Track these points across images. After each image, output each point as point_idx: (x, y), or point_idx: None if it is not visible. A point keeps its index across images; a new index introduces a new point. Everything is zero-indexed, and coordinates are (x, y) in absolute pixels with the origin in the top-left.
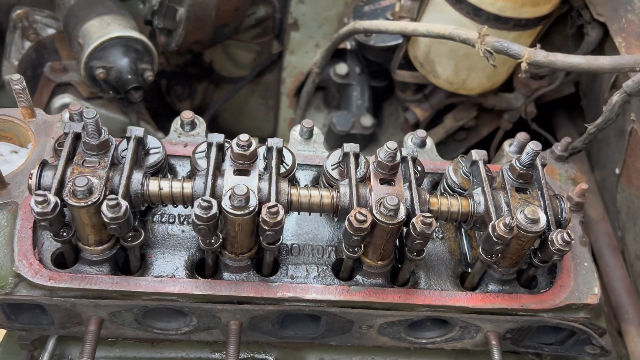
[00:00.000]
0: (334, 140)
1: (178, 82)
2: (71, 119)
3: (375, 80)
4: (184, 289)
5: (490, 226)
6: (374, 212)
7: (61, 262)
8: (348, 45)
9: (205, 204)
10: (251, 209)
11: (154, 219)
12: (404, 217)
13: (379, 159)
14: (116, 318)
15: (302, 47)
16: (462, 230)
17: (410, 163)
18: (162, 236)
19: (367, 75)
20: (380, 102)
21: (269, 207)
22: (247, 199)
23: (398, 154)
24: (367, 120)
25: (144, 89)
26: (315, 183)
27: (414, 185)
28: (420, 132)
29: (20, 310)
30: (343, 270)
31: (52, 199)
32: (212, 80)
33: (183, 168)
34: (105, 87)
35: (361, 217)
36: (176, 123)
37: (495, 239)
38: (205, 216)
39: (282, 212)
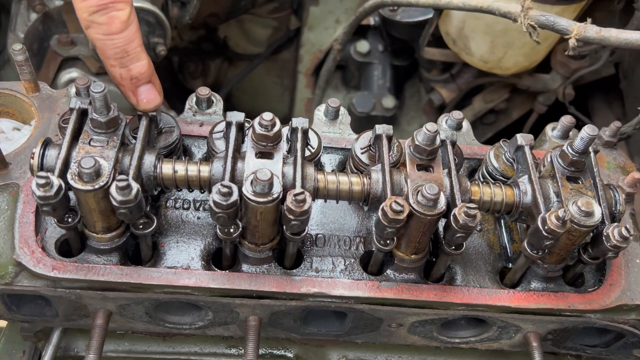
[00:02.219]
0: (353, 122)
1: (191, 58)
2: (78, 93)
3: (397, 58)
4: (199, 282)
5: (539, 219)
6: (411, 201)
7: (66, 249)
8: (371, 21)
9: (224, 189)
10: (275, 195)
11: (168, 205)
12: (444, 207)
13: (417, 142)
14: (125, 311)
15: (322, 22)
16: (502, 221)
17: (450, 147)
18: (176, 223)
19: (390, 53)
20: (402, 83)
21: (295, 195)
22: (271, 185)
23: (438, 137)
24: (388, 102)
25: (155, 64)
26: (342, 168)
27: (454, 172)
28: (457, 114)
29: (22, 301)
30: (372, 264)
31: (56, 181)
32: (227, 57)
33: (199, 150)
34: None
35: (397, 207)
36: (191, 100)
37: (545, 233)
38: (224, 203)
39: (309, 200)
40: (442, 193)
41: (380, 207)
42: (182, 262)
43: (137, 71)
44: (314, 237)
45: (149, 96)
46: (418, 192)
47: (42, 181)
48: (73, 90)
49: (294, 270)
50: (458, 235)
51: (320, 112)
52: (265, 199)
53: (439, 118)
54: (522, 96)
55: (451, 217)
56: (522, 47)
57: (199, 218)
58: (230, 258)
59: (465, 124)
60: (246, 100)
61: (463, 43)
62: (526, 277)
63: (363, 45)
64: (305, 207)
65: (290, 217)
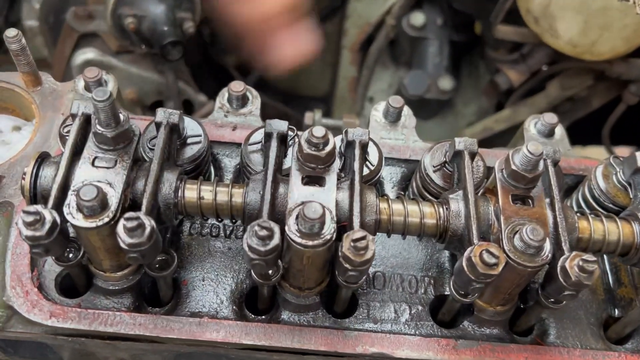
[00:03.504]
0: None
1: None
2: (87, 88)
3: (457, 34)
4: (229, 336)
5: None
6: (506, 247)
7: (69, 285)
8: None
9: (263, 232)
10: (327, 237)
11: (192, 231)
12: (549, 256)
13: (514, 167)
14: (141, 359)
15: None
16: (605, 257)
17: (551, 169)
18: (201, 255)
19: (449, 28)
20: (459, 60)
21: (355, 240)
22: (322, 224)
23: (542, 162)
24: (446, 83)
25: (183, 43)
26: (404, 186)
27: (557, 204)
28: (549, 117)
29: (20, 343)
30: (445, 312)
31: (48, 216)
32: None
33: (231, 160)
34: (137, 40)
35: (491, 260)
36: (222, 97)
37: None
38: (262, 249)
39: (372, 246)
40: (547, 239)
41: (466, 255)
42: (209, 307)
43: None
44: (372, 276)
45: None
46: (515, 234)
47: (29, 218)
48: (81, 84)
49: (347, 320)
50: (566, 293)
51: (378, 112)
52: (314, 242)
53: (526, 121)
54: (606, 83)
55: (558, 270)
56: (623, 29)
57: (229, 249)
58: (268, 300)
59: (559, 131)
60: (283, 77)
61: (548, 23)
62: (638, 331)
63: (418, 18)
64: (368, 255)
65: (348, 266)
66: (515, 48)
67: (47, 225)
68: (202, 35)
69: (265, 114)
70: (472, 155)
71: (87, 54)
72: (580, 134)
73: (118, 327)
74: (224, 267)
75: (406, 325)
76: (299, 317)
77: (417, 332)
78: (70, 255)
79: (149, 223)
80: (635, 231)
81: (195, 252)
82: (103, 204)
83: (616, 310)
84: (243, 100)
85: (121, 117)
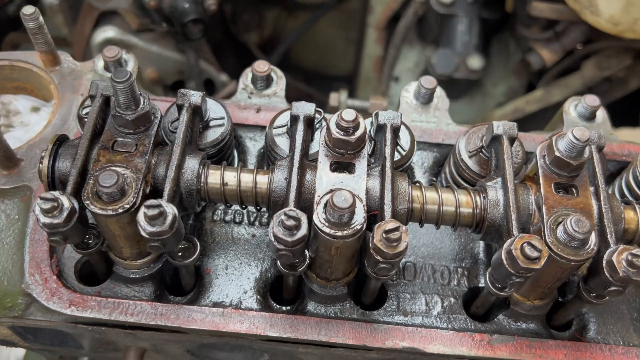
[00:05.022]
0: None
1: (246, 8)
2: (106, 68)
3: (487, 11)
4: (253, 327)
5: None
6: (548, 240)
7: (90, 272)
8: None
9: (290, 221)
10: (357, 227)
11: (215, 218)
12: (594, 249)
13: (558, 154)
14: (162, 348)
15: None
16: None
17: (596, 156)
18: (225, 242)
19: (479, 4)
20: (488, 38)
21: (387, 232)
22: (352, 214)
23: (588, 148)
24: (475, 62)
25: (204, 22)
26: (436, 172)
27: (603, 194)
28: (591, 99)
29: (40, 330)
30: (479, 305)
31: (66, 203)
32: (286, 6)
33: (255, 144)
34: (157, 18)
35: (533, 253)
36: (246, 77)
37: None
38: (289, 239)
39: (405, 238)
40: (593, 231)
41: (506, 248)
42: (232, 296)
43: None
44: (402, 266)
45: None
46: (558, 226)
47: (47, 205)
48: (100, 63)
49: (375, 312)
50: (612, 289)
51: (409, 93)
52: (343, 232)
53: (566, 103)
54: None
55: (604, 264)
56: None
57: (253, 236)
58: (294, 290)
59: (601, 114)
60: (306, 56)
61: None
62: None
63: None
64: (401, 247)
65: (379, 258)
66: (548, 26)
67: (65, 213)
68: (224, 12)
69: (288, 94)
70: (512, 140)
71: (107, 32)
72: (616, 115)
73: (139, 316)
74: (248, 255)
75: (438, 319)
76: (325, 308)
77: (449, 326)
78: (90, 242)
79: (170, 211)
80: None
81: (218, 239)
82: (123, 191)
83: None
84: (267, 81)
85: (141, 98)
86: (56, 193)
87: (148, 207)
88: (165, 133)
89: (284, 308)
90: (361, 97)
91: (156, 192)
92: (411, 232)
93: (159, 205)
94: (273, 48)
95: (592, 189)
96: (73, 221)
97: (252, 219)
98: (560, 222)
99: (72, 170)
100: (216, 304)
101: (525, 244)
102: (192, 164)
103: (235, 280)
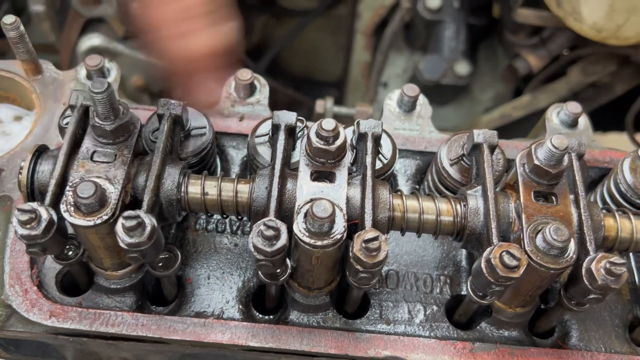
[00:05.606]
0: None
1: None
2: (89, 77)
3: (474, 17)
4: (235, 337)
5: None
6: (528, 248)
7: (71, 282)
8: None
9: (269, 232)
10: (337, 237)
11: (197, 227)
12: (573, 257)
13: (537, 162)
14: (145, 359)
15: None
16: (631, 255)
17: (576, 163)
18: (207, 252)
19: (466, 10)
20: (476, 44)
21: (367, 241)
22: (332, 223)
23: (567, 156)
24: (462, 68)
25: None
26: (419, 180)
27: (582, 201)
28: (573, 106)
29: (21, 341)
30: (461, 313)
31: (44, 214)
32: (274, 13)
33: (238, 152)
34: None
35: (512, 262)
36: (229, 86)
37: None
38: (269, 250)
39: (385, 248)
40: (572, 239)
41: (485, 256)
42: (215, 306)
43: None
44: (384, 275)
45: None
46: (538, 234)
47: (25, 216)
48: (83, 72)
49: (358, 321)
50: (591, 296)
51: (392, 100)
52: (323, 242)
53: (549, 110)
54: (631, 69)
55: (584, 272)
56: None
57: (236, 245)
58: (276, 300)
59: (583, 121)
60: (294, 61)
61: (571, 6)
62: None
63: (434, 1)
64: (380, 257)
65: (359, 268)
66: (535, 32)
67: (44, 224)
68: None
69: (277, 101)
70: (492, 149)
71: (93, 39)
72: (602, 121)
73: (120, 327)
74: (230, 264)
75: (421, 327)
76: (308, 317)
77: (432, 334)
78: (70, 252)
79: (149, 221)
80: None
81: (200, 248)
82: (102, 201)
83: None
84: (250, 89)
85: (121, 108)
86: (34, 204)
87: (126, 218)
88: (146, 142)
89: (266, 318)
90: (350, 103)
91: (136, 203)
92: (394, 241)
93: (137, 216)
94: (261, 54)
95: (572, 196)
96: (51, 232)
97: (234, 228)
98: (540, 231)
99: (51, 181)
100: (198, 314)
101: (504, 253)
102: (172, 173)
103: (217, 290)
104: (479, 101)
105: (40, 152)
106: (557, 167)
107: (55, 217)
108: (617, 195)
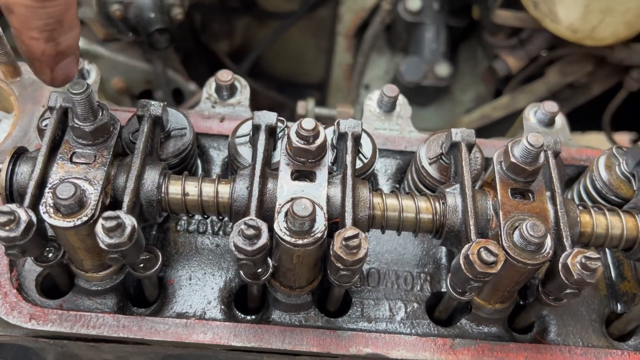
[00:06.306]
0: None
1: (215, 17)
2: None
3: (454, 19)
4: (217, 337)
5: None
6: (505, 244)
7: (51, 285)
8: None
9: (250, 231)
10: (318, 235)
11: (178, 228)
12: (550, 252)
13: (513, 160)
14: None
15: None
16: (608, 252)
17: (552, 161)
18: (188, 252)
19: (446, 12)
20: (456, 45)
21: (347, 239)
22: (312, 221)
23: (542, 153)
24: (442, 69)
25: (171, 31)
26: (399, 179)
27: (559, 198)
28: (550, 106)
29: (1, 345)
30: (442, 310)
31: (23, 216)
32: (256, 15)
33: (219, 153)
34: (123, 28)
35: (489, 258)
36: (210, 87)
37: None
38: (249, 249)
39: (365, 245)
40: (548, 235)
41: (463, 253)
42: (196, 307)
43: (67, 44)
44: (366, 273)
45: (68, 70)
46: (515, 230)
47: (3, 218)
48: None
49: (340, 320)
50: (568, 291)
51: (372, 101)
52: (304, 241)
53: (526, 109)
54: (607, 69)
55: (560, 267)
56: (625, 13)
57: (217, 246)
58: (258, 299)
59: (560, 120)
60: (278, 64)
61: (547, 7)
62: None
63: (414, 2)
64: (360, 254)
65: (339, 265)
66: (513, 33)
67: (23, 226)
68: (193, 21)
69: (259, 103)
70: (470, 147)
71: None
72: (580, 120)
73: (101, 329)
74: (212, 265)
75: (401, 324)
76: (290, 316)
77: (412, 331)
78: (50, 255)
79: (129, 222)
80: (639, 225)
81: (181, 249)
82: (81, 202)
83: (619, 305)
84: (231, 90)
85: (100, 109)
86: (13, 206)
87: (106, 218)
88: (125, 144)
89: (248, 317)
90: (332, 105)
91: (116, 204)
92: (375, 239)
93: (117, 217)
94: (243, 57)
95: (548, 193)
96: (31, 234)
97: (216, 229)
98: (517, 227)
99: (30, 182)
100: (180, 315)
101: (482, 249)
102: (152, 174)
103: (199, 291)
104: (459, 102)
105: (19, 154)
106: (534, 165)
107: (34, 219)
108: (593, 192)
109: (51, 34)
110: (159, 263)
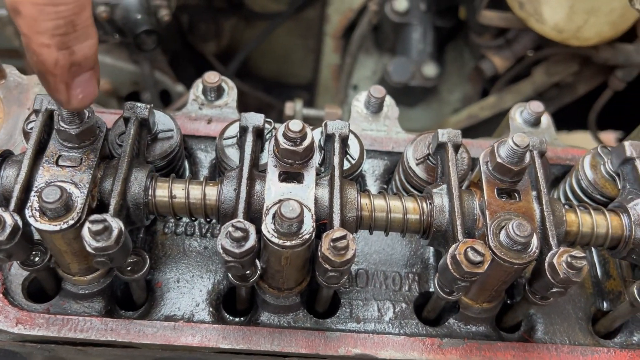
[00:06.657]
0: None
1: (202, 18)
2: None
3: (441, 19)
4: (206, 340)
5: None
6: (492, 244)
7: (38, 289)
8: None
9: (237, 233)
10: (305, 236)
11: (166, 230)
12: (536, 251)
13: (499, 160)
14: None
15: None
16: (594, 250)
17: (538, 161)
18: (176, 255)
19: (432, 13)
20: (443, 46)
21: (335, 240)
22: (300, 223)
23: (528, 153)
24: (430, 70)
25: (158, 32)
26: (387, 180)
27: (545, 198)
28: (535, 106)
29: None
30: (430, 310)
31: (9, 219)
32: (243, 16)
33: (206, 155)
34: (110, 29)
35: (476, 258)
36: (197, 89)
37: None
38: (237, 251)
39: (353, 246)
40: (534, 234)
41: (450, 253)
42: (185, 309)
43: (83, 54)
44: (354, 274)
45: (88, 89)
46: (501, 230)
47: None
48: None
49: (329, 321)
50: (554, 290)
51: (359, 102)
52: (292, 242)
53: (512, 109)
54: (592, 69)
55: (546, 266)
56: (609, 13)
57: (205, 248)
58: (247, 301)
59: (546, 119)
60: (265, 65)
61: (533, 7)
62: (627, 326)
63: (401, 3)
64: (348, 255)
65: (327, 267)
66: (500, 33)
67: (8, 230)
68: (180, 23)
69: (247, 104)
70: (456, 148)
71: None
72: (566, 120)
73: (89, 333)
74: (200, 267)
75: (390, 324)
76: (278, 318)
77: (401, 332)
78: (36, 259)
79: (116, 225)
80: (624, 224)
81: (169, 252)
82: (67, 206)
83: (605, 303)
84: (218, 92)
85: (86, 112)
86: None
87: (92, 222)
88: (112, 146)
89: (237, 319)
90: (321, 106)
91: (103, 207)
92: (363, 240)
93: (104, 220)
94: (231, 57)
95: (534, 193)
96: (17, 238)
97: (204, 231)
98: (503, 227)
99: (15, 186)
100: (168, 318)
101: (468, 249)
102: (139, 177)
103: (187, 293)
104: (447, 102)
105: (5, 157)
106: (519, 165)
107: (20, 223)
108: (578, 192)
109: (63, 39)
110: (147, 266)
